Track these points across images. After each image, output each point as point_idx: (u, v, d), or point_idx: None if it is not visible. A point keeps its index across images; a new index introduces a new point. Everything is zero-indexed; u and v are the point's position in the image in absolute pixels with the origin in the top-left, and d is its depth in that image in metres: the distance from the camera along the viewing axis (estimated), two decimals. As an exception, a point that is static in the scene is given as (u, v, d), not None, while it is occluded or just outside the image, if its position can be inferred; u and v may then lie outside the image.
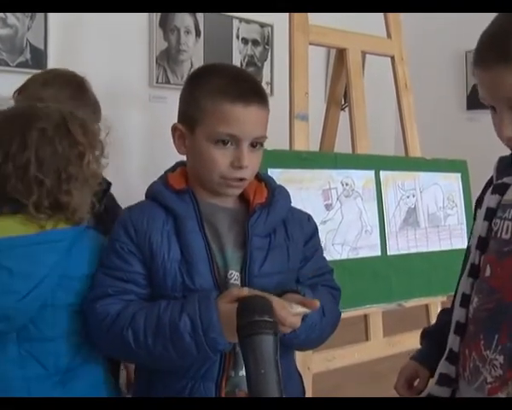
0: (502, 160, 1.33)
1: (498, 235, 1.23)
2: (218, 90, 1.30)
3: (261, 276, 1.31)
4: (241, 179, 1.33)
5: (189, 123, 1.34)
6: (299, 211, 1.48)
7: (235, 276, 1.32)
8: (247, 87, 1.32)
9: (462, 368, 1.26)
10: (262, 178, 1.43)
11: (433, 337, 1.44)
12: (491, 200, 1.28)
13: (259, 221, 1.35)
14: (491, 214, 1.27)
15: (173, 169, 1.42)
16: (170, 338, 1.23)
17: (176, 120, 1.39)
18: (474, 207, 1.41)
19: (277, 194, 1.40)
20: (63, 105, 1.48)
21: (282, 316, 1.19)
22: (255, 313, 1.10)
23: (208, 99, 1.30)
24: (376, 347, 2.51)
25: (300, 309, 1.23)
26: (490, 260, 1.24)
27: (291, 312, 1.21)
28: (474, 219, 1.38)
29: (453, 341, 1.29)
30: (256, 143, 1.33)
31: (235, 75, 1.37)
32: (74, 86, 1.65)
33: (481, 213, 1.30)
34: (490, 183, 1.34)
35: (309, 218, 1.48)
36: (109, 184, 1.71)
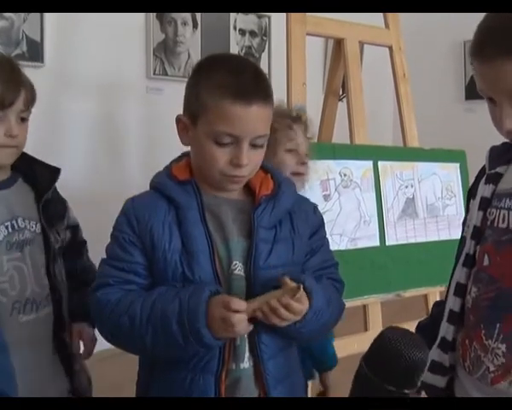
0: (493, 149, 1.33)
1: (495, 224, 1.23)
2: (219, 85, 1.26)
3: (266, 268, 1.30)
4: (241, 176, 1.33)
5: (191, 116, 1.32)
6: (306, 201, 1.46)
7: (239, 266, 1.31)
8: (248, 84, 1.28)
9: (462, 358, 1.26)
10: (268, 169, 1.42)
11: (428, 331, 1.43)
12: (485, 190, 1.28)
13: (265, 213, 1.34)
14: (485, 204, 1.26)
15: (179, 159, 1.41)
16: (160, 325, 1.23)
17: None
18: (466, 197, 1.41)
19: (283, 186, 1.39)
20: None
21: (285, 303, 1.19)
22: (394, 379, 0.98)
23: (208, 94, 1.27)
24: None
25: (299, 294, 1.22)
26: (487, 250, 1.24)
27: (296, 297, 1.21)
28: (467, 209, 1.38)
29: (446, 329, 1.28)
30: (257, 142, 1.32)
31: (237, 69, 1.31)
32: (6, 67, 1.57)
33: (475, 202, 1.29)
34: (482, 173, 1.33)
35: (315, 209, 1.46)
36: (57, 169, 1.68)
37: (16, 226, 1.56)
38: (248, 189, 1.39)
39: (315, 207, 1.47)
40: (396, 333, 1.10)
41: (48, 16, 2.84)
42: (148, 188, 1.40)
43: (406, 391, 1.01)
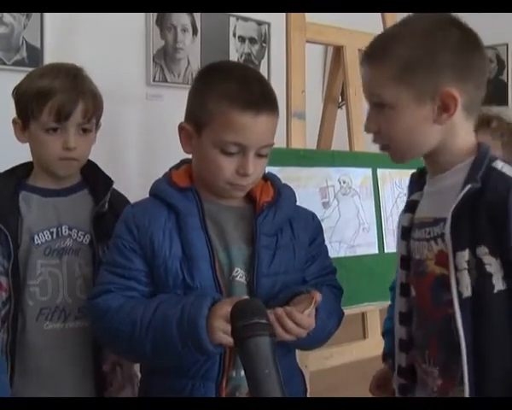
0: (413, 175, 1.36)
1: (413, 256, 1.25)
2: (227, 95, 1.27)
3: (269, 275, 1.31)
4: (246, 185, 1.33)
5: (195, 124, 1.32)
6: (304, 210, 1.47)
7: (240, 273, 1.32)
8: (256, 94, 1.29)
9: (417, 376, 1.29)
10: (267, 177, 1.43)
11: (391, 333, 1.45)
12: (403, 218, 1.30)
13: (267, 220, 1.35)
14: (406, 233, 1.28)
15: (178, 166, 1.41)
16: (160, 329, 1.23)
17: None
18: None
19: (283, 193, 1.40)
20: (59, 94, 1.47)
21: (297, 319, 1.19)
22: (248, 316, 1.10)
23: (216, 104, 1.28)
24: (374, 345, 2.51)
25: (310, 309, 1.23)
26: (412, 281, 1.27)
27: (305, 313, 1.22)
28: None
29: (400, 357, 1.31)
30: (262, 152, 1.32)
31: (245, 79, 1.32)
32: (70, 76, 1.55)
33: (398, 232, 1.31)
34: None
35: (313, 217, 1.48)
36: (110, 181, 1.63)
37: (60, 234, 1.53)
38: (249, 196, 1.40)
39: (313, 214, 1.48)
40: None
41: (48, 23, 2.84)
42: (147, 195, 1.40)
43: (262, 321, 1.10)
